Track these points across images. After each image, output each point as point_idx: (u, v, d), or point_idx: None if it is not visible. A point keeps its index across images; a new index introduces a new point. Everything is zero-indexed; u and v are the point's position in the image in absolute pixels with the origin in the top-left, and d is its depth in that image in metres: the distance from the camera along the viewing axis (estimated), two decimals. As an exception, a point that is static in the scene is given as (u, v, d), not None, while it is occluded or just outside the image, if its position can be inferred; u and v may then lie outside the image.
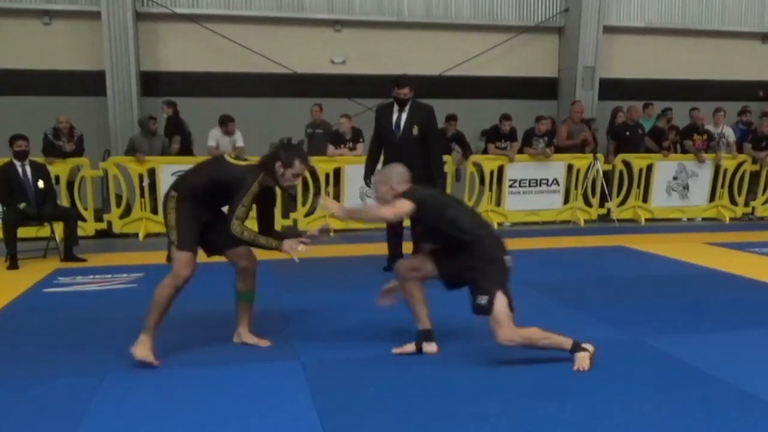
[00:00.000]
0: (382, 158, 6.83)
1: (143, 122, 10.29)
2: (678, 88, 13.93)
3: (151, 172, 9.58)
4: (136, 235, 9.31)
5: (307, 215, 9.90)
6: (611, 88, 13.54)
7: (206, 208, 4.25)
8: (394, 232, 6.95)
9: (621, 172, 10.88)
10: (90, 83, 11.83)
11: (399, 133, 6.66)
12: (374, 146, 6.98)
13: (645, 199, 11.07)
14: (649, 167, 10.96)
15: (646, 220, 10.93)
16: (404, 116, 6.66)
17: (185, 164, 9.63)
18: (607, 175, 10.80)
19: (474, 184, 10.53)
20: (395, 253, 6.89)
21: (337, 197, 9.93)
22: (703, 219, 11.27)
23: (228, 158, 4.36)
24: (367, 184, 6.94)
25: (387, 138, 6.76)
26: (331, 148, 10.12)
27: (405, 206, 4.04)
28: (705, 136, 11.29)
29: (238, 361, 4.16)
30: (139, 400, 3.58)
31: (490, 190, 10.53)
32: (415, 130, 6.61)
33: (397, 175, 4.20)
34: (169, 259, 4.29)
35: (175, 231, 4.16)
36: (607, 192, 10.71)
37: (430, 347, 4.29)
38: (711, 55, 14.33)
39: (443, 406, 3.49)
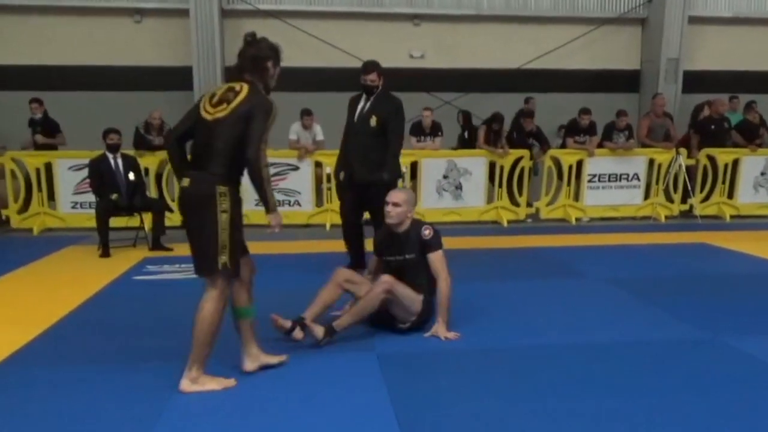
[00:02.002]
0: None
1: None
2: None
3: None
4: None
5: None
6: (696, 81, 13.14)
7: None
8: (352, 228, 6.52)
9: (705, 167, 10.58)
10: (177, 78, 12.24)
11: (357, 123, 6.24)
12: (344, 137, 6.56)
13: (730, 195, 10.74)
14: (735, 162, 10.63)
15: (732, 216, 10.61)
16: (367, 106, 6.22)
17: (280, 157, 9.84)
18: (690, 170, 10.52)
19: (552, 178, 10.45)
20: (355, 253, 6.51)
21: (414, 190, 10.01)
22: (793, 216, 10.87)
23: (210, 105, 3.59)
24: (337, 176, 6.56)
25: (347, 126, 6.39)
26: (413, 140, 10.20)
27: None
28: (796, 130, 10.87)
29: (315, 352, 4.27)
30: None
31: (569, 184, 10.44)
32: (373, 121, 6.13)
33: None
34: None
35: (228, 250, 3.51)
36: (689, 187, 10.44)
37: (297, 334, 4.43)
38: (805, 45, 13.74)
39: (515, 401, 3.54)
